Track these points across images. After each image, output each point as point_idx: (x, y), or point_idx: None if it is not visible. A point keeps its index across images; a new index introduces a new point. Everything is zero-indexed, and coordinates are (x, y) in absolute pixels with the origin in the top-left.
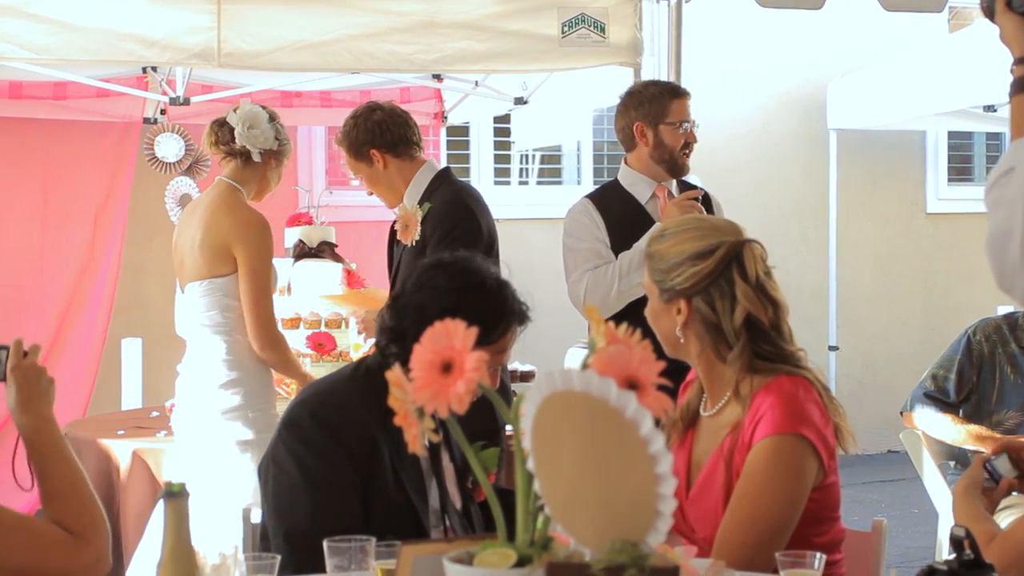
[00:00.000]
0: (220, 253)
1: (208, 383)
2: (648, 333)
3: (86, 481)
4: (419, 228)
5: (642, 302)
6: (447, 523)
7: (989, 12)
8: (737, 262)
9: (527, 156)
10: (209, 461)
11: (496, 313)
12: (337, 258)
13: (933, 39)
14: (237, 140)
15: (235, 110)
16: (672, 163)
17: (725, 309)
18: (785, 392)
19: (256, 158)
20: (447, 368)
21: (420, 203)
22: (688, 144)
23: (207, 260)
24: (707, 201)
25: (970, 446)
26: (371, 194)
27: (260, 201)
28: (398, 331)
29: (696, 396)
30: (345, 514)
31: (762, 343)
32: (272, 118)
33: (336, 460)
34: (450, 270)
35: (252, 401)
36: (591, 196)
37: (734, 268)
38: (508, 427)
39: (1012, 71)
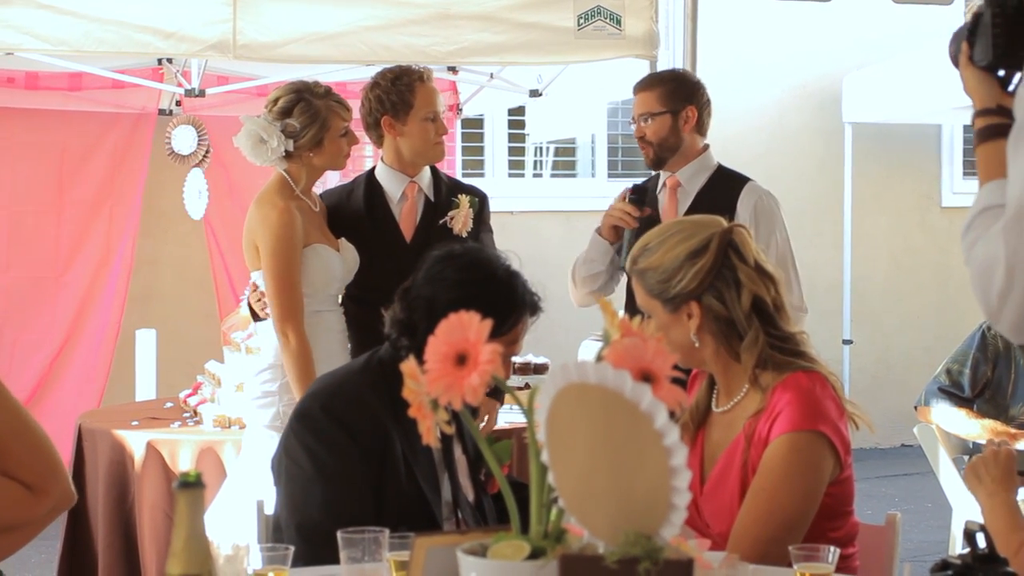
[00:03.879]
0: (251, 247)
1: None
2: None
3: (33, 424)
4: (472, 220)
5: None
6: (459, 515)
7: (955, 61)
8: (732, 247)
9: (541, 149)
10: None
11: (507, 304)
12: None
13: (948, 32)
14: (249, 160)
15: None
16: None
17: (734, 298)
18: (803, 388)
19: (281, 165)
20: (461, 360)
21: (442, 189)
22: (638, 139)
23: (247, 253)
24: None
25: (984, 440)
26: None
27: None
28: (408, 324)
29: (705, 393)
30: (357, 507)
31: (770, 327)
32: (294, 107)
33: (348, 453)
34: (459, 262)
35: (284, 393)
36: (646, 180)
37: (732, 254)
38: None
39: (973, 122)
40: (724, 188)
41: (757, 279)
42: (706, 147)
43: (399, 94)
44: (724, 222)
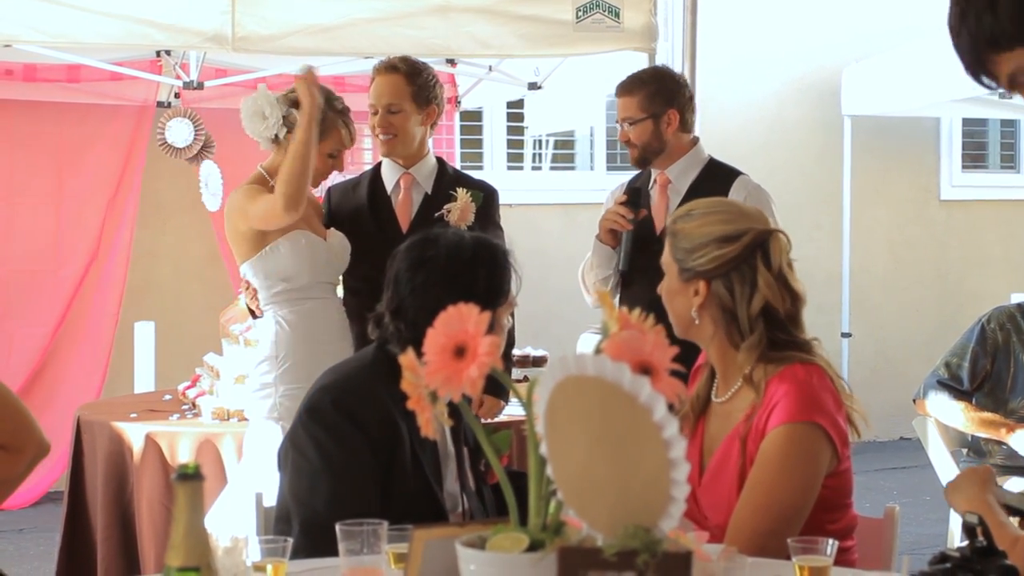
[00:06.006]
0: (234, 234)
1: (258, 359)
2: (661, 316)
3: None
4: (472, 214)
5: (658, 282)
6: (465, 506)
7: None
8: (762, 250)
9: (540, 141)
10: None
11: (493, 280)
12: None
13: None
14: (243, 125)
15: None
16: None
17: (743, 296)
18: (799, 380)
19: (265, 146)
20: (460, 352)
21: (445, 183)
22: (624, 142)
23: (232, 244)
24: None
25: (983, 434)
26: (390, 135)
27: (315, 187)
28: (413, 340)
29: (706, 384)
30: (364, 501)
31: (777, 332)
32: (298, 103)
33: (357, 447)
34: (429, 267)
35: (280, 384)
36: (635, 177)
37: (759, 256)
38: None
39: None
40: (715, 182)
41: (775, 288)
42: (695, 141)
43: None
44: (770, 223)
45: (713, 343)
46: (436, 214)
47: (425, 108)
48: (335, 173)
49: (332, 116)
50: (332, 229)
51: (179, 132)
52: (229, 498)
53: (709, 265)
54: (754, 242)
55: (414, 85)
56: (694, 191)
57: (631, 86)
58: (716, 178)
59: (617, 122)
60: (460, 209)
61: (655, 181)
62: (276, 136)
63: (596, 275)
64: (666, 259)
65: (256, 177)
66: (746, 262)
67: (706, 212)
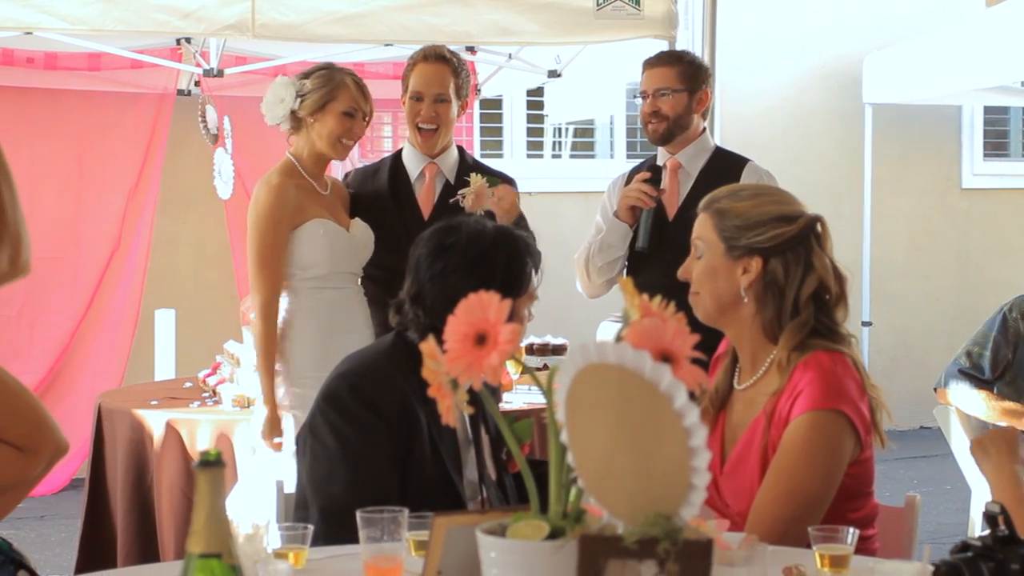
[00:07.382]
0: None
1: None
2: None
3: (13, 387)
4: (488, 199)
5: (672, 267)
6: (483, 494)
7: None
8: (815, 234)
9: (560, 129)
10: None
11: (512, 269)
12: None
13: (970, 13)
14: (265, 116)
15: None
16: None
17: (796, 276)
18: (824, 367)
19: (284, 126)
20: (481, 340)
21: (465, 172)
22: (650, 114)
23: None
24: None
25: (1004, 423)
26: (434, 126)
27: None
28: (429, 327)
29: (726, 375)
30: (382, 487)
31: (824, 316)
32: (315, 72)
33: (375, 434)
34: (449, 254)
35: (292, 369)
36: (638, 165)
37: (813, 238)
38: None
39: None
40: (725, 169)
41: (830, 270)
42: (704, 129)
43: (404, 75)
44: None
45: (748, 326)
46: (451, 200)
47: (460, 101)
48: (357, 159)
49: (340, 76)
50: (356, 219)
51: (214, 119)
52: (247, 484)
53: (769, 243)
54: (809, 224)
55: (459, 78)
56: (705, 176)
57: (670, 59)
58: (726, 164)
59: (642, 95)
60: (475, 194)
61: (665, 166)
62: (293, 112)
63: (606, 256)
64: (707, 237)
65: (284, 164)
66: (803, 243)
67: (757, 193)
